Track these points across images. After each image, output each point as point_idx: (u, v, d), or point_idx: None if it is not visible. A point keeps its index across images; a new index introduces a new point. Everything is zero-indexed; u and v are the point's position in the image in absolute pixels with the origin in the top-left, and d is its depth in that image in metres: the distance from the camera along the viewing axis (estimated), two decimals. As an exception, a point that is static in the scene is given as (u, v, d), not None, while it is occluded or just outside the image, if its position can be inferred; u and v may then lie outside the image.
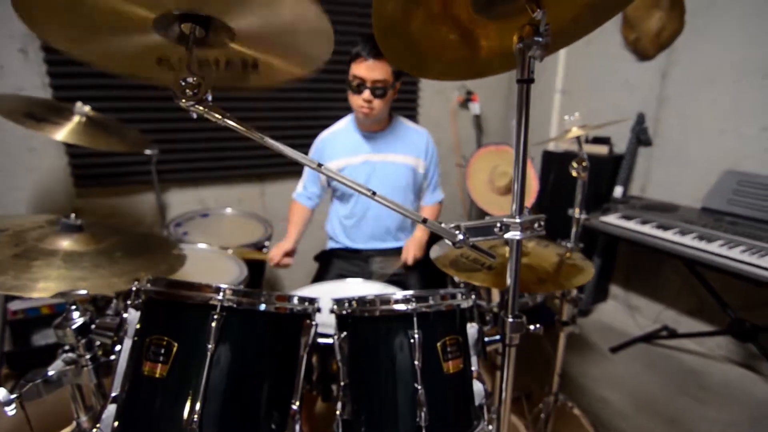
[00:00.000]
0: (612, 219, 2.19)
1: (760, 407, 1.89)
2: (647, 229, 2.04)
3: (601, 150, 2.65)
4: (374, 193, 0.64)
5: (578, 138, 1.23)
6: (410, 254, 1.66)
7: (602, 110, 2.77)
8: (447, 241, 0.68)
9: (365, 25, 2.55)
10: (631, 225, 2.10)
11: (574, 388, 2.01)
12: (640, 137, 2.55)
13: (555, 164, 2.72)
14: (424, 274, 1.74)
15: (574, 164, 1.21)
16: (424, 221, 0.66)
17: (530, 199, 2.03)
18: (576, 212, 1.27)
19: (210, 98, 0.61)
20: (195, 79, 0.59)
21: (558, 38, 0.75)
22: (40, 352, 1.97)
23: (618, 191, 2.56)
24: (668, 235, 1.95)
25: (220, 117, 0.61)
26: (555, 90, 3.02)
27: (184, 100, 0.60)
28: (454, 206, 3.30)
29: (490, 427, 0.79)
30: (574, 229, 1.27)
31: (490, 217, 0.71)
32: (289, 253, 1.71)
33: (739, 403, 1.91)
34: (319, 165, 0.62)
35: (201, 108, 0.60)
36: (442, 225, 0.68)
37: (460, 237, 0.66)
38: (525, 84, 0.66)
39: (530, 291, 1.26)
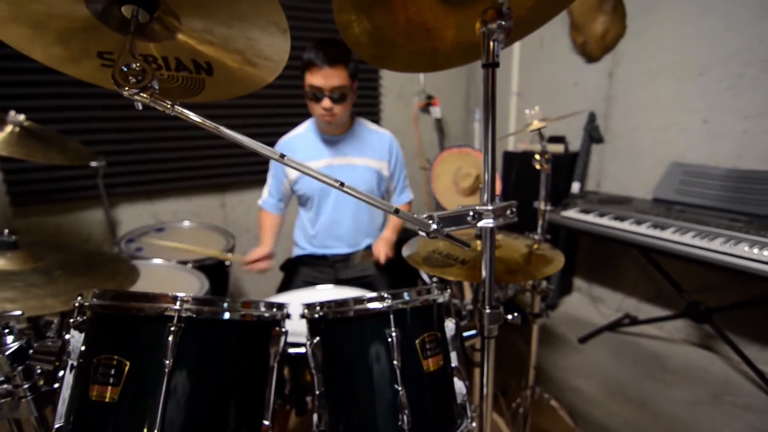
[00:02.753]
0: (572, 213, 2.27)
1: (719, 384, 1.99)
2: (605, 221, 2.12)
3: (558, 148, 2.75)
4: (342, 184, 0.60)
5: (539, 130, 1.26)
6: (382, 252, 1.63)
7: (556, 110, 2.85)
8: (421, 232, 0.65)
9: (328, 20, 2.52)
10: (590, 218, 2.18)
11: (546, 379, 2.04)
12: (593, 135, 2.66)
13: (515, 164, 2.79)
14: (393, 277, 1.71)
15: (537, 156, 1.22)
16: (396, 211, 0.64)
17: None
18: (541, 205, 1.29)
19: (156, 86, 0.55)
20: (138, 64, 0.54)
21: (517, 27, 0.75)
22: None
23: (575, 187, 2.66)
24: (625, 225, 2.03)
25: (168, 105, 0.55)
26: (510, 92, 3.12)
27: (127, 89, 0.54)
28: (419, 209, 3.31)
29: (474, 424, 0.77)
30: (540, 221, 1.29)
31: (462, 206, 0.69)
32: (268, 257, 1.63)
33: (701, 382, 2.00)
34: (282, 156, 0.58)
35: (146, 96, 0.55)
36: (415, 215, 0.65)
37: (434, 227, 0.64)
38: (490, 68, 0.65)
39: (502, 282, 1.26)
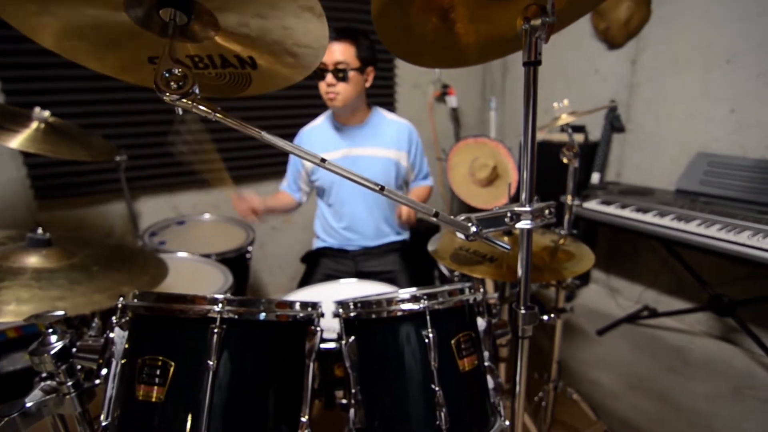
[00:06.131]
0: (593, 205, 2.23)
1: (741, 378, 1.97)
2: (627, 212, 2.09)
3: (577, 138, 2.68)
4: (382, 188, 0.59)
5: (567, 125, 1.23)
6: (404, 210, 1.58)
7: (576, 99, 2.78)
8: (460, 234, 0.65)
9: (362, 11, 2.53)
10: (612, 210, 2.15)
11: (565, 372, 2.03)
12: (614, 124, 2.60)
13: (533, 154, 2.75)
14: (414, 271, 1.72)
15: (565, 151, 1.20)
16: (436, 214, 0.63)
17: (512, 189, 2.05)
18: (568, 199, 1.27)
19: (197, 91, 0.55)
20: (180, 69, 0.54)
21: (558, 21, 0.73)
22: (9, 378, 1.82)
23: (595, 178, 2.61)
24: (648, 217, 2.00)
25: (209, 111, 0.55)
26: (529, 80, 3.05)
27: (168, 94, 0.54)
28: (435, 200, 3.30)
29: (507, 422, 0.77)
30: (567, 216, 1.27)
31: (500, 207, 0.68)
32: (256, 212, 1.56)
33: (722, 376, 1.99)
34: (323, 160, 0.58)
35: (188, 102, 0.54)
36: (453, 218, 0.64)
37: (474, 229, 0.63)
38: (532, 66, 0.64)
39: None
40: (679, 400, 1.84)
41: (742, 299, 2.03)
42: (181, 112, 0.57)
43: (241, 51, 0.64)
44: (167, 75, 0.54)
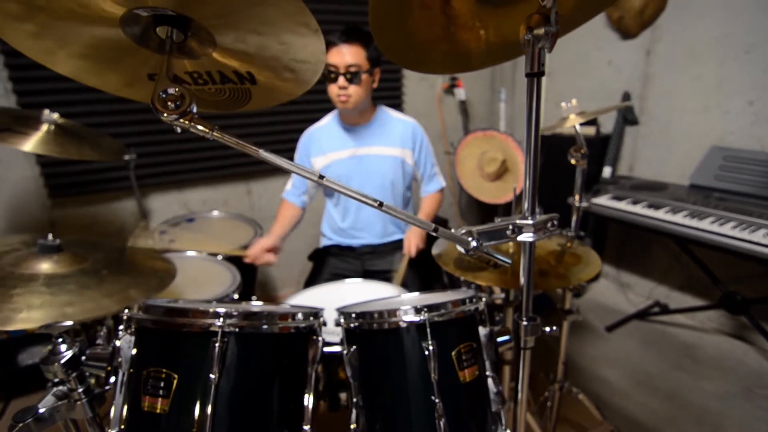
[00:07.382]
0: (603, 200, 2.20)
1: (753, 376, 1.94)
2: (639, 209, 2.05)
3: (589, 131, 2.64)
4: (381, 204, 0.59)
5: (576, 125, 1.21)
6: (413, 246, 1.59)
7: (588, 90, 2.76)
8: (460, 249, 0.64)
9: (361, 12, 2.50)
10: (623, 205, 2.11)
11: (573, 369, 2.03)
12: (627, 117, 2.54)
13: (542, 148, 2.69)
14: (420, 270, 1.71)
15: (573, 152, 1.18)
16: (436, 230, 0.63)
17: (519, 185, 2.02)
18: (576, 200, 1.25)
19: (195, 109, 0.55)
20: (177, 89, 0.54)
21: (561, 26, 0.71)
22: (28, 371, 1.89)
23: (607, 172, 2.57)
24: (660, 214, 1.96)
25: (207, 130, 0.55)
26: (539, 72, 2.99)
27: (165, 114, 0.54)
28: (443, 196, 3.27)
29: (509, 431, 0.77)
30: (574, 218, 1.25)
31: (501, 219, 0.67)
32: (272, 250, 1.57)
33: (733, 374, 1.96)
34: (321, 177, 0.58)
35: (186, 122, 0.54)
36: (453, 231, 0.64)
37: (474, 244, 0.63)
38: (535, 77, 0.62)
39: (535, 288, 1.24)
40: (689, 399, 1.82)
41: (756, 297, 1.99)
42: (179, 131, 0.57)
43: (239, 67, 0.63)
44: (164, 95, 0.54)
